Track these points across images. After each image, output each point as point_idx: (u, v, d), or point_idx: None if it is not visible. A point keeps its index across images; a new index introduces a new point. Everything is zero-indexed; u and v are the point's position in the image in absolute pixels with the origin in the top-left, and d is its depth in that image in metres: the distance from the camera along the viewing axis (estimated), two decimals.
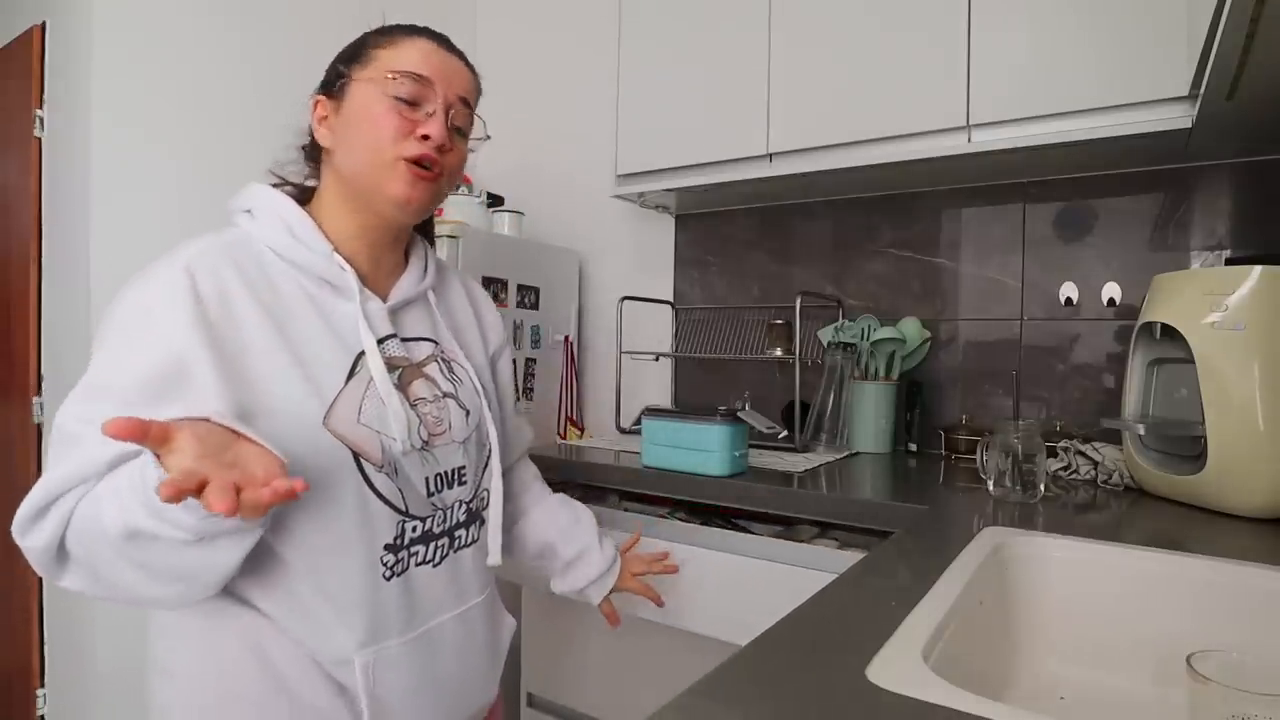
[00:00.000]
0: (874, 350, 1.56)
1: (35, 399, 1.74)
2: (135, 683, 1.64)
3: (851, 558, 1.05)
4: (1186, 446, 1.11)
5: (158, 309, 0.65)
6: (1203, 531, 0.94)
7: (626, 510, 1.37)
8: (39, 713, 1.73)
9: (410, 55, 0.76)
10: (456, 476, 0.79)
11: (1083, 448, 1.30)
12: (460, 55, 0.82)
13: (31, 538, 0.62)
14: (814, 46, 1.50)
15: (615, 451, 1.52)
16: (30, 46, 1.74)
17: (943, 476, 1.32)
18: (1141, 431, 1.13)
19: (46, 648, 1.74)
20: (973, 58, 1.32)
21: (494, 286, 1.80)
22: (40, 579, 1.74)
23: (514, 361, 1.73)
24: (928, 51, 1.37)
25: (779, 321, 1.76)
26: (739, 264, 1.93)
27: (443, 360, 0.82)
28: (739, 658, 0.53)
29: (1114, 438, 1.30)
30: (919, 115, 1.38)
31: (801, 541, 1.17)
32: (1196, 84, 1.07)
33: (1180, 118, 1.16)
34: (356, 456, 0.69)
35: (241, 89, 1.83)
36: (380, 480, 0.71)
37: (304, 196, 0.81)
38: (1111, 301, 1.46)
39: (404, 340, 0.79)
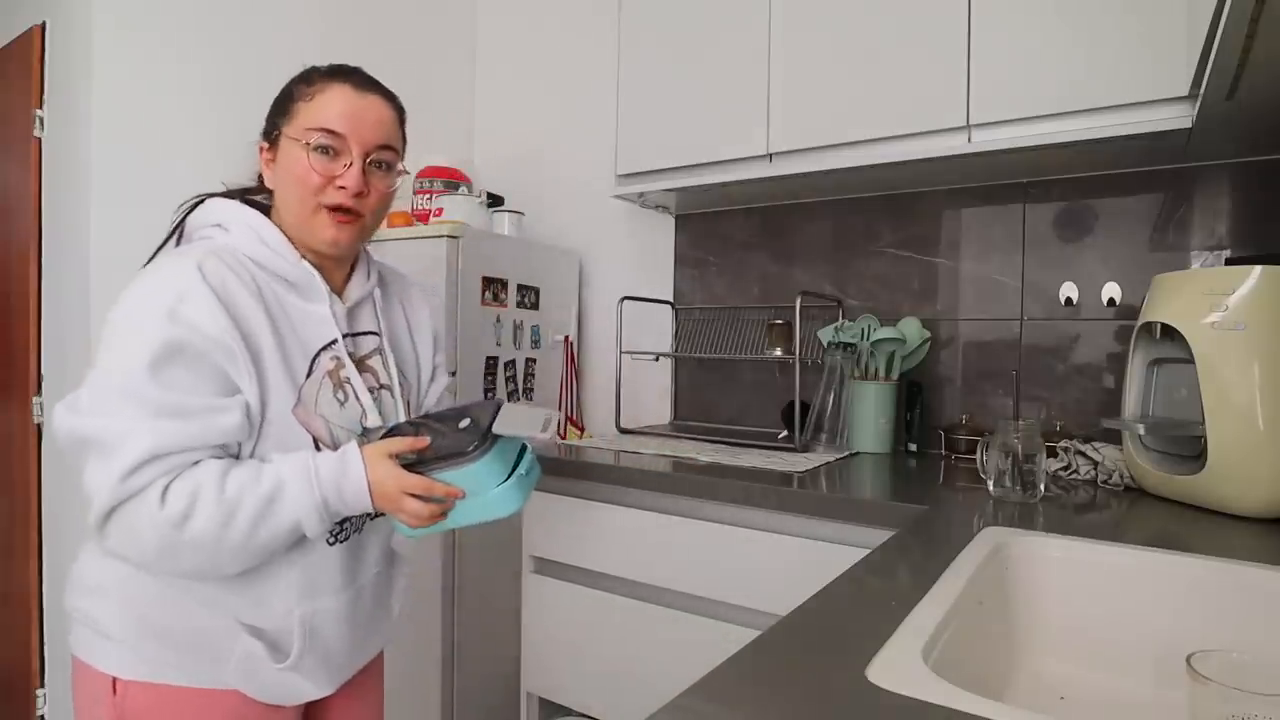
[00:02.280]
0: (874, 350, 1.56)
1: (35, 399, 1.74)
2: None
3: (852, 557, 1.05)
4: (1186, 446, 1.11)
5: (184, 304, 0.73)
6: (1203, 531, 0.94)
7: (627, 509, 1.37)
8: (39, 713, 1.73)
9: (326, 110, 0.84)
10: None
11: (1083, 448, 1.30)
12: (379, 91, 0.90)
13: (125, 487, 0.70)
14: (814, 46, 1.50)
15: (615, 451, 1.52)
16: (30, 46, 1.74)
17: (943, 476, 1.32)
18: (1141, 431, 1.13)
19: (46, 648, 1.74)
20: (973, 58, 1.32)
21: (494, 286, 1.80)
22: (40, 579, 1.74)
23: (513, 361, 1.75)
24: (928, 51, 1.37)
25: (779, 321, 1.76)
26: (739, 264, 1.93)
27: (382, 352, 0.94)
28: (739, 658, 0.53)
29: (1114, 438, 1.30)
30: (919, 115, 1.38)
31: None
32: (1196, 84, 1.07)
33: (1180, 118, 1.16)
34: (315, 440, 0.82)
35: (241, 89, 1.83)
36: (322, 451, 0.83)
37: (258, 204, 0.90)
38: (1111, 301, 1.46)
39: (354, 335, 0.91)
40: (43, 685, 1.73)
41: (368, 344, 0.93)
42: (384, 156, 0.88)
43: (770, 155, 1.57)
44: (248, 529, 0.73)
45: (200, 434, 0.73)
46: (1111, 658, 0.78)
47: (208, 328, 0.73)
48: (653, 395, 2.07)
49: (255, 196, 0.92)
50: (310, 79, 0.86)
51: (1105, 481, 1.24)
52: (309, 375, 0.83)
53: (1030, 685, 0.78)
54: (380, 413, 0.89)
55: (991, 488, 1.12)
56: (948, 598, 0.65)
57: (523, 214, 2.06)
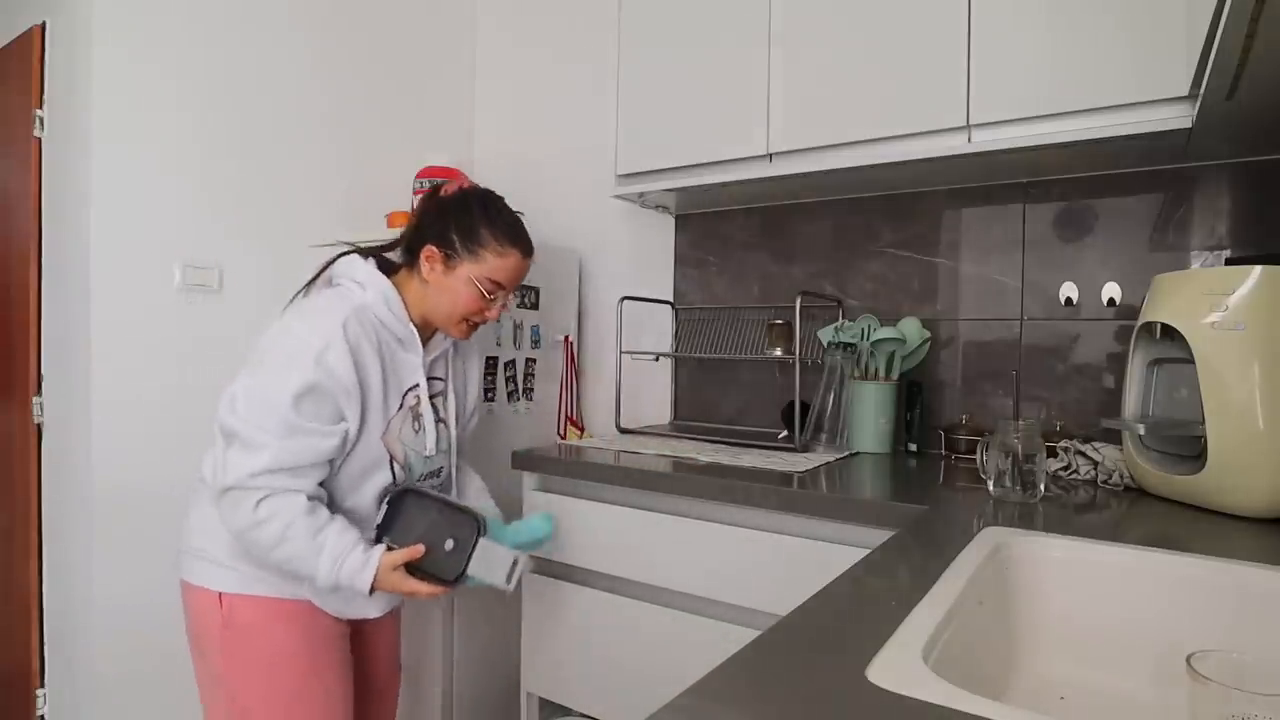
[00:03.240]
0: (874, 350, 1.56)
1: (35, 399, 1.74)
2: (135, 683, 1.64)
3: (852, 557, 1.05)
4: (1186, 446, 1.11)
5: (329, 351, 1.00)
6: (1203, 531, 0.94)
7: (625, 508, 1.37)
8: (39, 713, 1.73)
9: (507, 271, 1.13)
10: (437, 472, 1.23)
11: (1083, 448, 1.30)
12: (532, 250, 1.18)
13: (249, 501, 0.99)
14: (814, 46, 1.50)
15: (615, 451, 1.52)
16: (30, 46, 1.74)
17: (943, 476, 1.32)
18: (1141, 431, 1.13)
19: (46, 648, 1.74)
20: (973, 58, 1.32)
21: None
22: (40, 579, 1.74)
23: (513, 361, 1.76)
24: (928, 51, 1.37)
25: (779, 321, 1.76)
26: (739, 264, 1.93)
27: (444, 395, 1.23)
28: (739, 658, 0.53)
29: (1114, 438, 1.30)
30: (919, 115, 1.38)
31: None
32: (1196, 84, 1.07)
33: (1180, 118, 1.16)
34: (390, 458, 1.11)
35: (241, 88, 1.83)
36: (398, 471, 1.13)
37: (386, 265, 1.16)
38: (1111, 301, 1.46)
39: (430, 379, 1.17)
40: (43, 685, 1.73)
41: (435, 387, 1.20)
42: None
43: (770, 155, 1.57)
44: (283, 559, 1.00)
45: (310, 453, 1.00)
46: (1111, 658, 0.78)
47: (339, 375, 1.00)
48: (653, 395, 2.07)
49: (388, 253, 1.18)
50: (500, 237, 1.12)
51: (1105, 481, 1.24)
52: (399, 409, 1.11)
53: (1030, 685, 0.78)
54: (437, 441, 1.17)
55: (991, 488, 1.12)
56: (948, 598, 0.65)
57: (523, 214, 2.05)
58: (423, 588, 1.05)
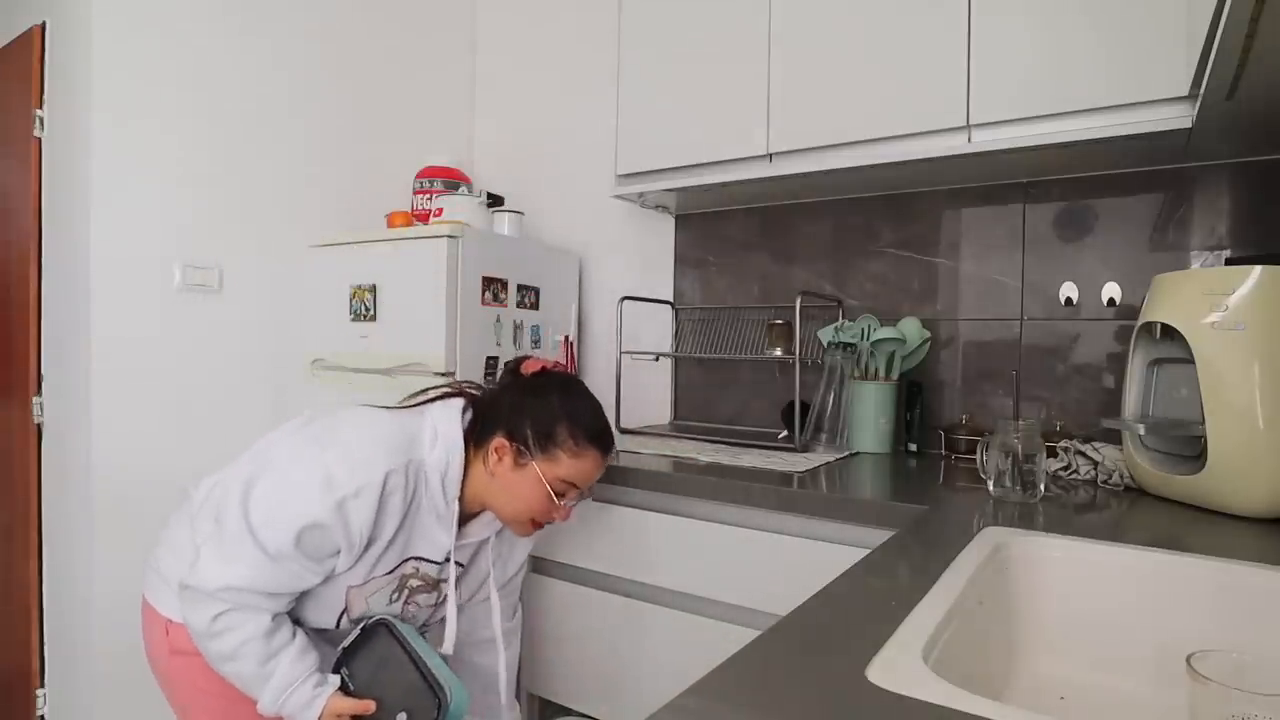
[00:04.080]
0: (874, 350, 1.56)
1: (35, 399, 1.74)
2: (135, 683, 1.64)
3: (852, 557, 1.05)
4: (1186, 446, 1.11)
5: (355, 499, 0.90)
6: (1203, 531, 0.94)
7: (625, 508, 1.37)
8: (39, 713, 1.72)
9: (581, 473, 1.02)
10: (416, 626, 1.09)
11: (1083, 448, 1.30)
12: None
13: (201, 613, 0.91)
14: (814, 46, 1.50)
15: (615, 451, 1.52)
16: (30, 46, 1.74)
17: (943, 476, 1.32)
18: (1141, 431, 1.13)
19: (46, 648, 1.74)
20: (973, 58, 1.32)
21: (494, 286, 1.80)
22: (40, 579, 1.74)
23: None
24: (928, 51, 1.37)
25: (779, 321, 1.76)
26: (739, 264, 1.93)
27: (451, 579, 1.05)
28: (739, 658, 0.53)
29: (1114, 438, 1.30)
30: (919, 115, 1.38)
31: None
32: (1196, 84, 1.07)
33: (1180, 118, 1.16)
34: (344, 610, 1.00)
35: (242, 88, 1.83)
36: (344, 623, 1.01)
37: (471, 429, 1.03)
38: (1111, 301, 1.46)
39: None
40: (43, 685, 1.73)
41: (448, 568, 1.05)
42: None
43: (770, 155, 1.57)
44: (231, 674, 0.92)
45: (289, 582, 0.92)
46: (1111, 658, 0.78)
47: (353, 526, 0.90)
48: (653, 395, 2.07)
49: (477, 395, 1.07)
50: (578, 435, 1.01)
51: (1105, 481, 1.24)
52: (389, 572, 0.99)
53: (1030, 685, 0.78)
54: (412, 614, 1.06)
55: (991, 488, 1.12)
56: (948, 598, 0.65)
57: (523, 214, 2.06)
58: None
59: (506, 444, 1.00)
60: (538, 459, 1.00)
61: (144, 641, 1.05)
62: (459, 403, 1.03)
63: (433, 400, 1.04)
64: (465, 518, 1.05)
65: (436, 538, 1.00)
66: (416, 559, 1.00)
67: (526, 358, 1.11)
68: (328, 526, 0.89)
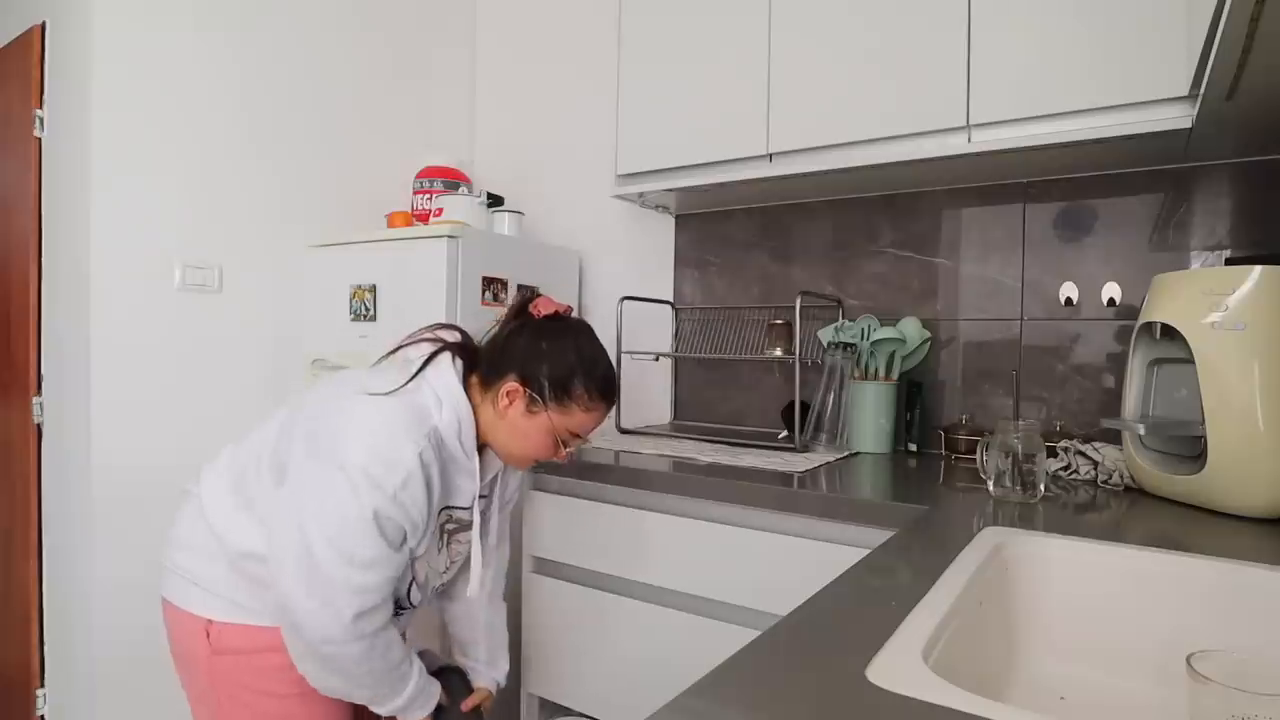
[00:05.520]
0: (874, 350, 1.56)
1: (35, 399, 1.74)
2: (135, 683, 1.64)
3: (852, 557, 1.05)
4: (1186, 446, 1.11)
5: (405, 490, 0.91)
6: (1203, 531, 0.94)
7: (624, 508, 1.37)
8: (39, 713, 1.72)
9: (590, 424, 1.04)
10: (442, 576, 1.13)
11: (1083, 448, 1.30)
12: None
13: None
14: (814, 46, 1.50)
15: (615, 451, 1.52)
16: (30, 46, 1.74)
17: (943, 476, 1.32)
18: (1141, 431, 1.13)
19: (46, 648, 1.74)
20: (973, 58, 1.32)
21: (494, 286, 1.80)
22: (40, 579, 1.74)
23: None
24: (928, 51, 1.37)
25: (779, 321, 1.76)
26: (739, 264, 1.93)
27: (485, 511, 1.12)
28: (739, 658, 0.53)
29: (1114, 438, 1.30)
30: (919, 115, 1.38)
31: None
32: (1196, 84, 1.07)
33: (1180, 118, 1.16)
34: (412, 580, 1.03)
35: (242, 88, 1.83)
36: (414, 594, 1.06)
37: (467, 359, 1.06)
38: (1111, 301, 1.46)
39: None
40: (43, 685, 1.73)
41: (475, 510, 1.08)
42: None
43: (770, 155, 1.57)
44: (364, 673, 0.93)
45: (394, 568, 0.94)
46: (1111, 658, 0.78)
47: (414, 513, 0.93)
48: (653, 395, 2.07)
49: (461, 340, 1.09)
50: (593, 391, 1.02)
51: (1105, 481, 1.24)
52: (434, 530, 1.01)
53: (1030, 685, 0.78)
54: (450, 555, 1.10)
55: (991, 488, 1.12)
56: (948, 598, 0.65)
57: (523, 214, 2.06)
58: None
59: (519, 389, 1.00)
60: (551, 409, 1.01)
61: (172, 643, 1.05)
62: (446, 357, 1.03)
63: (422, 368, 1.02)
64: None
65: (464, 486, 1.03)
66: (449, 508, 1.03)
67: (534, 295, 1.11)
68: (391, 515, 0.91)
